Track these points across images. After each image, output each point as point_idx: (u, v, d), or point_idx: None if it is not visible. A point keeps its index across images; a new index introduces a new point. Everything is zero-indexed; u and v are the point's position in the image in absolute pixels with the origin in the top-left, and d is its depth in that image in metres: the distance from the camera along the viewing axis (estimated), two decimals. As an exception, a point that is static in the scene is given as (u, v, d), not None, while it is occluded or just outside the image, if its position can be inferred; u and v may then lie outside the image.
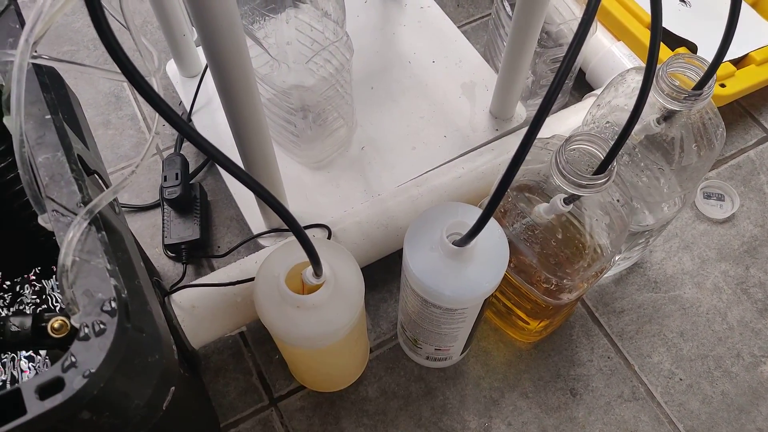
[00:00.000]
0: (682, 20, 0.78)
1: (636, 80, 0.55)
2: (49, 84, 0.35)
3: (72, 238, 0.29)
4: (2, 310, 0.56)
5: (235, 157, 0.49)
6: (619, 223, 0.49)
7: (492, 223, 0.48)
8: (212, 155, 0.31)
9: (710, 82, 0.48)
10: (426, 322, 0.51)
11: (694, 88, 0.48)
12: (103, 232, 0.31)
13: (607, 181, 0.45)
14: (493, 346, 0.64)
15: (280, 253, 0.47)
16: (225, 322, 0.57)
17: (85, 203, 0.31)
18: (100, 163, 0.42)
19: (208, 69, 0.72)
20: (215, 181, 0.71)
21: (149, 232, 0.68)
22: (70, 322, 0.35)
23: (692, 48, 0.73)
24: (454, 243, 0.44)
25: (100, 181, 0.39)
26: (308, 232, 0.60)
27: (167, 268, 0.67)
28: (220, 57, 0.41)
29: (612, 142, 0.44)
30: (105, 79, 0.79)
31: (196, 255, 0.66)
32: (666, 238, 0.71)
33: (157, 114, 0.39)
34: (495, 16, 0.73)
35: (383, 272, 0.66)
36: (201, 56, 0.72)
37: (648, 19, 0.75)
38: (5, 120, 0.33)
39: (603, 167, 0.45)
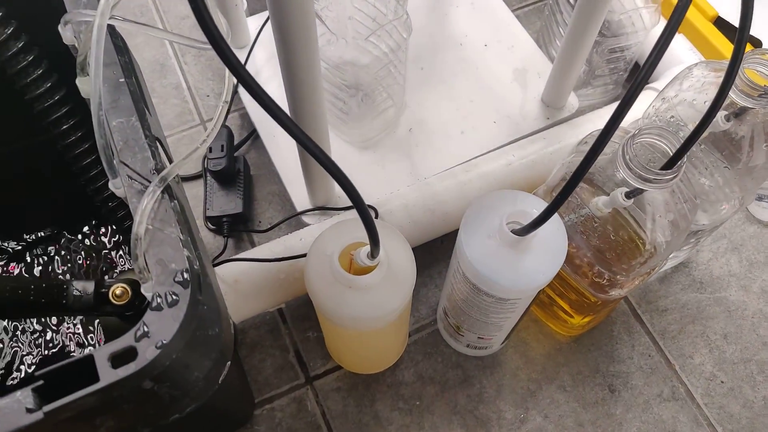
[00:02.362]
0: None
1: (704, 75, 0.53)
2: (123, 47, 0.34)
3: (146, 205, 0.29)
4: (60, 269, 0.56)
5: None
6: (682, 222, 0.48)
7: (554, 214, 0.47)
8: (290, 129, 0.30)
9: (787, 80, 0.46)
10: (474, 309, 0.51)
11: (770, 86, 0.46)
12: (176, 201, 0.30)
13: (675, 177, 0.43)
14: (532, 338, 0.63)
15: (333, 231, 0.47)
16: (267, 298, 0.57)
17: (158, 171, 0.30)
18: (160, 130, 0.42)
19: (257, 40, 0.71)
20: (259, 155, 0.70)
21: (191, 204, 0.68)
22: (131, 290, 0.35)
23: (756, 43, 0.71)
24: (513, 232, 0.43)
25: (161, 148, 0.39)
26: (351, 212, 0.60)
27: (208, 240, 0.66)
28: (287, 26, 0.40)
29: (678, 137, 0.43)
30: (152, 46, 0.78)
31: (237, 229, 0.66)
32: (714, 238, 0.69)
33: (227, 82, 0.38)
34: (553, 1, 0.71)
35: (425, 256, 0.65)
36: (251, 27, 0.71)
37: (712, 12, 0.72)
38: (79, 81, 0.32)
39: (672, 162, 0.43)
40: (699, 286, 0.66)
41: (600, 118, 0.67)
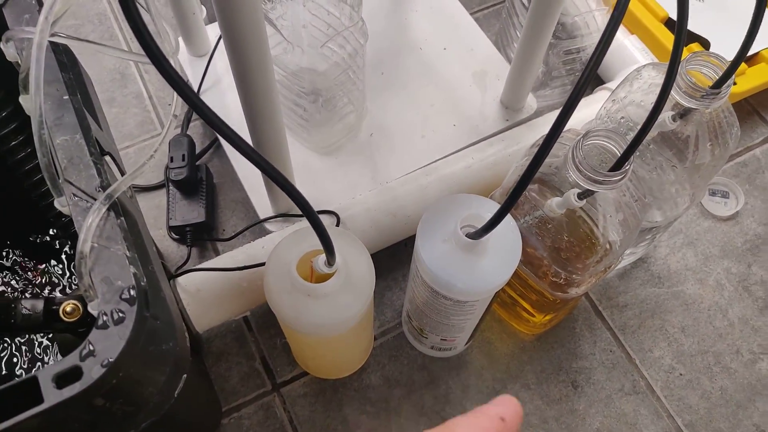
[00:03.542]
0: (695, 15, 0.77)
1: (652, 76, 0.54)
2: (67, 63, 0.34)
3: (91, 223, 0.29)
4: (9, 288, 0.55)
5: (246, 138, 0.48)
6: (632, 220, 0.49)
7: (506, 217, 0.47)
8: (235, 143, 0.31)
9: (729, 81, 0.47)
10: (434, 312, 0.51)
11: (712, 87, 0.48)
12: (122, 218, 0.30)
13: (623, 178, 0.44)
14: (496, 337, 0.64)
15: (292, 239, 0.47)
16: (230, 306, 0.57)
17: (104, 188, 0.30)
18: (113, 143, 0.42)
19: (216, 48, 0.71)
20: (221, 163, 0.70)
21: (153, 214, 0.68)
22: (82, 306, 0.35)
23: (705, 44, 0.73)
24: (468, 235, 0.44)
25: (113, 162, 0.39)
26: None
27: (171, 250, 0.66)
28: (237, 34, 0.40)
29: (628, 139, 0.44)
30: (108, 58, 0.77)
31: (200, 238, 0.66)
32: (671, 233, 0.71)
33: (176, 96, 0.38)
34: (509, 4, 0.72)
35: (389, 260, 0.66)
36: (210, 35, 0.71)
37: (662, 13, 0.74)
38: (21, 99, 0.32)
39: (619, 164, 0.44)
40: (657, 281, 0.68)
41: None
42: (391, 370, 0.62)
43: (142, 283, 0.29)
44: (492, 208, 0.48)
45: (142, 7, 0.36)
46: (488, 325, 0.64)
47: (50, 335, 0.52)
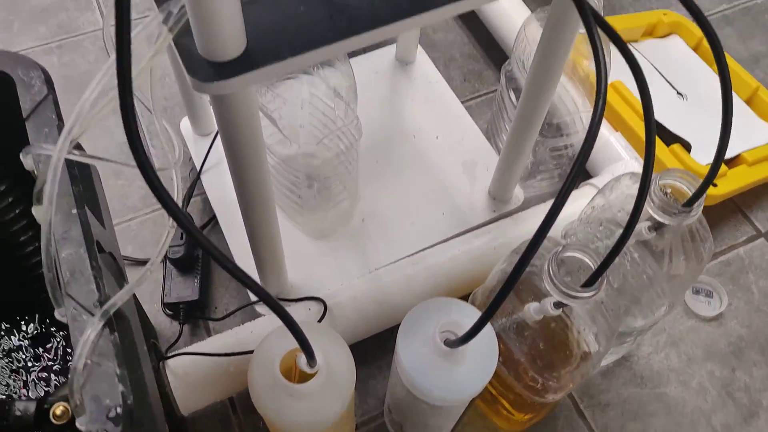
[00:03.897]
0: (677, 114, 0.81)
1: (629, 186, 0.57)
2: (78, 175, 0.37)
3: (87, 339, 0.31)
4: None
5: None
6: (606, 331, 0.51)
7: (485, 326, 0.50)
8: (217, 258, 0.33)
9: (700, 200, 0.50)
10: (413, 413, 0.53)
11: (684, 205, 0.50)
12: (116, 334, 0.32)
13: (595, 294, 0.47)
14: None
15: (277, 336, 0.49)
16: (216, 390, 0.58)
17: (102, 303, 0.33)
18: (115, 242, 0.44)
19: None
20: (218, 240, 0.73)
21: (149, 288, 0.70)
22: (71, 409, 0.36)
23: (686, 146, 0.76)
24: (446, 343, 0.46)
25: (112, 261, 0.41)
26: (304, 304, 0.62)
27: (164, 325, 0.68)
28: (236, 141, 0.43)
29: (599, 254, 0.46)
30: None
31: (193, 315, 0.68)
32: (654, 332, 0.72)
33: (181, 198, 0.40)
34: (499, 98, 0.75)
35: (374, 348, 0.67)
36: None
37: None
38: (34, 210, 0.35)
39: (592, 281, 0.47)
40: (639, 381, 0.69)
41: (542, 213, 0.70)
42: (371, 459, 0.63)
43: (129, 402, 0.31)
44: (472, 314, 0.50)
45: (149, 109, 0.39)
46: (470, 420, 0.65)
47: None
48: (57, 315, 0.33)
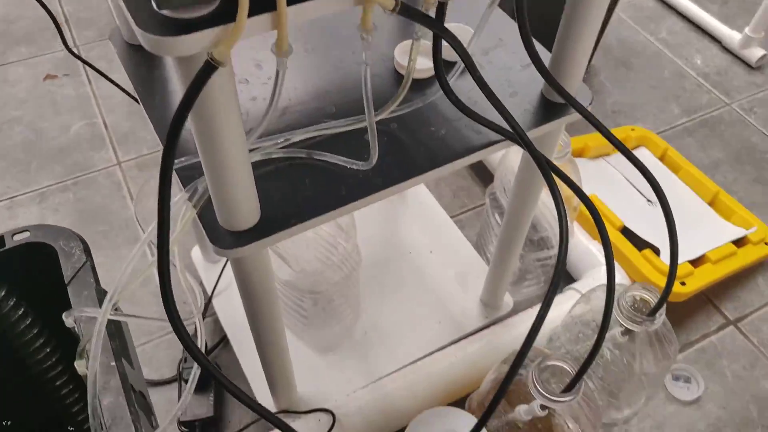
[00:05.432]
0: (647, 220, 0.89)
1: (601, 298, 0.64)
2: (114, 330, 0.43)
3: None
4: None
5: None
6: (588, 426, 0.56)
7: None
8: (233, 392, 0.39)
9: (661, 310, 0.57)
10: None
11: (648, 315, 0.57)
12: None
13: (574, 398, 0.52)
14: None
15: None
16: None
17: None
18: (143, 380, 0.50)
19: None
20: (231, 355, 0.78)
21: (165, 407, 0.74)
22: None
23: (656, 250, 0.84)
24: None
25: (143, 399, 0.47)
26: (314, 415, 0.67)
27: (180, 443, 0.72)
28: (251, 292, 0.50)
29: (577, 362, 0.52)
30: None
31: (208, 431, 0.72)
32: (640, 418, 0.77)
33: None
34: (485, 216, 0.84)
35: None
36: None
37: (618, 223, 0.86)
38: (77, 364, 0.41)
39: (570, 386, 0.53)
40: (631, 470, 0.73)
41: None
42: None
43: None
44: (468, 422, 0.55)
45: (178, 269, 0.45)
46: None
47: None
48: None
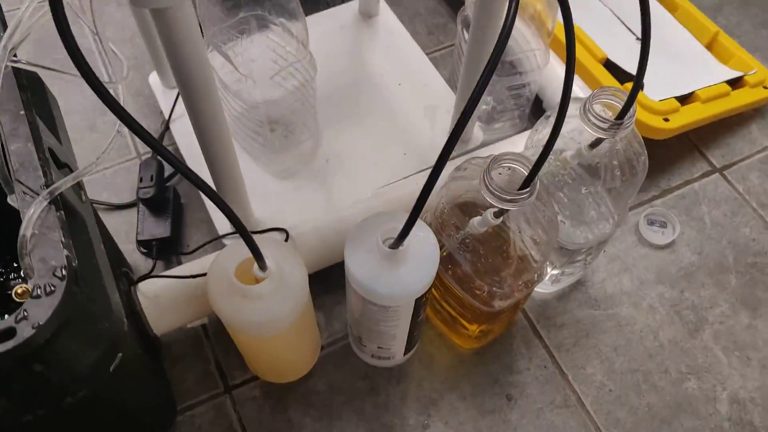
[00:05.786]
0: (634, 56, 0.83)
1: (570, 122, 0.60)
2: (27, 85, 0.40)
3: (33, 213, 0.34)
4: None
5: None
6: (543, 237, 0.54)
7: (425, 232, 0.53)
8: (158, 150, 0.36)
9: (630, 112, 0.53)
10: (366, 319, 0.56)
11: (616, 118, 0.53)
12: (62, 212, 0.36)
13: (530, 196, 0.50)
14: (436, 351, 0.68)
15: (232, 248, 0.52)
16: (185, 311, 0.62)
17: (48, 185, 0.36)
18: (72, 157, 0.47)
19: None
20: (189, 185, 0.76)
21: (125, 229, 0.73)
22: (30, 289, 0.40)
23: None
24: (388, 246, 0.49)
25: (70, 172, 0.44)
26: (267, 235, 0.66)
27: (139, 262, 0.72)
28: (189, 83, 0.47)
29: (530, 161, 0.50)
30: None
31: (166, 251, 0.71)
32: (609, 259, 0.76)
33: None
34: (458, 44, 0.79)
35: (339, 276, 0.70)
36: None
37: (600, 54, 0.81)
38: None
39: (526, 183, 0.50)
40: (594, 303, 0.72)
41: (497, 150, 0.74)
42: (336, 378, 0.66)
43: (74, 264, 0.34)
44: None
45: (94, 32, 0.42)
46: (430, 339, 0.69)
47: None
48: (9, 201, 0.37)
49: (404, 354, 0.64)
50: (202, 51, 0.47)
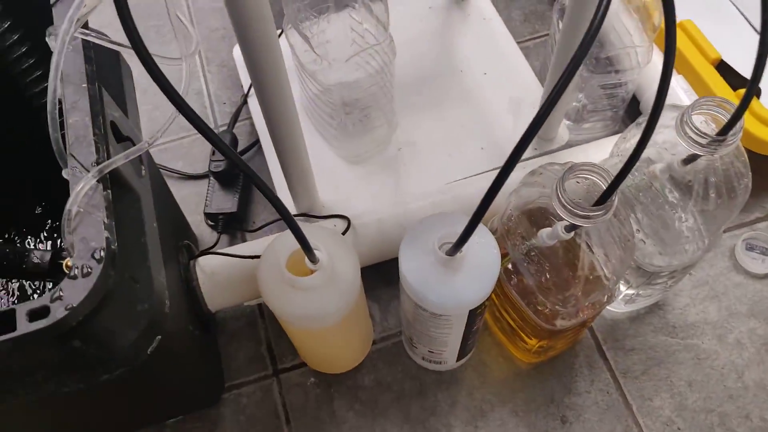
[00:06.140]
0: (752, 56, 0.75)
1: (661, 132, 0.54)
2: (94, 57, 0.40)
3: (80, 191, 0.34)
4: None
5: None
6: (617, 255, 0.49)
7: (487, 239, 0.49)
8: (203, 131, 0.35)
9: (735, 128, 0.47)
10: (417, 323, 0.54)
11: (718, 134, 0.47)
12: (108, 191, 0.36)
13: (605, 213, 0.45)
14: (492, 360, 0.65)
15: (287, 236, 0.51)
16: (241, 291, 0.62)
17: (99, 163, 0.36)
18: (137, 129, 0.47)
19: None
20: (261, 162, 0.76)
21: (195, 200, 0.74)
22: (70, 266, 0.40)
23: (756, 92, 0.71)
24: (445, 252, 0.46)
25: (131, 145, 0.44)
26: (329, 221, 0.64)
27: (205, 234, 0.72)
28: (257, 62, 0.46)
29: (610, 175, 0.45)
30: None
31: (231, 226, 0.71)
32: (695, 284, 0.69)
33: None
34: (552, 34, 0.73)
35: (397, 271, 0.69)
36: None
37: (714, 55, 0.72)
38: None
39: (603, 199, 0.45)
40: (671, 330, 0.66)
41: (583, 152, 0.68)
42: (385, 375, 0.64)
43: (113, 247, 0.34)
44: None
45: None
46: (486, 347, 0.66)
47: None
48: (64, 174, 0.37)
49: (457, 360, 0.62)
50: (271, 31, 0.45)
